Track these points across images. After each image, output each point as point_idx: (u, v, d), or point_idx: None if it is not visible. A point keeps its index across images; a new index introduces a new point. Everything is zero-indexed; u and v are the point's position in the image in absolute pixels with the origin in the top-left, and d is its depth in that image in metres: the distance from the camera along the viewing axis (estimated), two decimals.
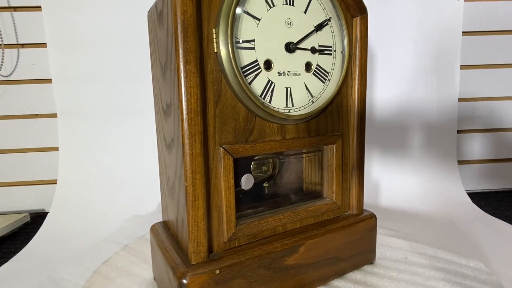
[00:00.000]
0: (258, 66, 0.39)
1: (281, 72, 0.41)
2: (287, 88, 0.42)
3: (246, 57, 0.39)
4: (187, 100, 0.35)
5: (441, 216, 0.81)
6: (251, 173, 0.47)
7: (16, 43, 0.86)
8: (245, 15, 0.38)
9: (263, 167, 0.49)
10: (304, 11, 0.42)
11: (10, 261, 0.63)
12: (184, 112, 0.35)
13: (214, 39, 0.36)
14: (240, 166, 0.46)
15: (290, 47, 0.41)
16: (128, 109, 0.89)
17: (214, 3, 0.37)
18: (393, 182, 0.94)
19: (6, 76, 0.85)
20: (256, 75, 0.39)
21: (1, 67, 0.84)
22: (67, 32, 0.85)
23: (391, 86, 0.94)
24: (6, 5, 0.83)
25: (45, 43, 0.86)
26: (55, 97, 0.88)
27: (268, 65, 0.40)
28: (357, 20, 0.46)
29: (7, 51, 0.85)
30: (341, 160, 0.49)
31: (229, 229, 0.40)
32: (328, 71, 0.45)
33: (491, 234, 0.70)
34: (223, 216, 0.40)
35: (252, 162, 0.47)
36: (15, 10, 0.84)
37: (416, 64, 0.93)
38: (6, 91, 0.87)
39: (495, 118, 0.99)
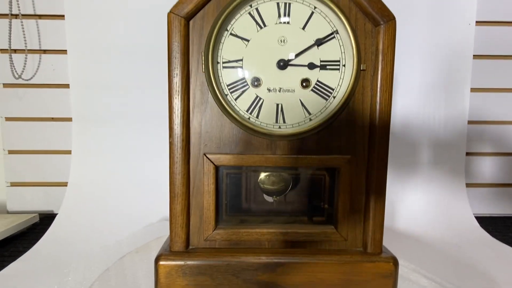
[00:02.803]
0: (245, 83, 0.46)
1: (271, 88, 0.47)
2: (277, 105, 0.48)
3: (233, 75, 0.46)
4: (171, 113, 0.45)
5: (447, 240, 0.85)
6: (259, 184, 0.53)
7: (39, 49, 0.99)
8: (233, 38, 0.45)
9: (270, 181, 0.54)
10: (302, 27, 0.47)
11: (17, 260, 0.72)
12: (169, 121, 0.45)
13: (202, 61, 0.44)
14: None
15: (281, 65, 0.47)
16: (142, 116, 0.99)
17: (204, 33, 0.46)
18: (398, 203, 0.99)
19: (27, 80, 0.98)
20: (243, 91, 0.47)
21: (23, 71, 0.97)
22: (87, 40, 0.97)
23: (399, 106, 1.01)
24: (32, 12, 0.97)
25: (66, 50, 0.98)
26: (72, 102, 0.99)
27: (256, 82, 0.47)
28: (381, 29, 0.46)
29: (30, 56, 0.98)
30: (348, 186, 0.49)
31: (207, 230, 0.48)
32: (333, 88, 0.47)
33: (499, 261, 0.73)
34: (203, 217, 0.48)
35: (261, 174, 0.53)
36: (40, 18, 0.98)
37: (426, 85, 1.00)
38: (26, 94, 0.99)
39: (505, 142, 1.05)
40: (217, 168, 0.47)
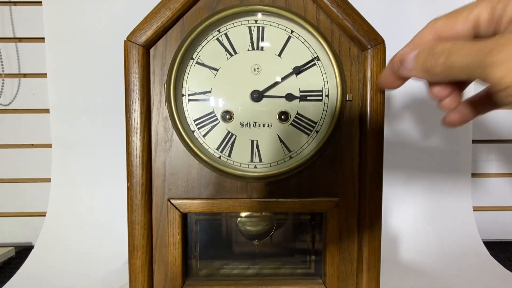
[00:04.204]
0: (215, 118, 0.40)
1: (244, 123, 0.41)
2: (252, 141, 0.42)
3: (201, 109, 0.40)
4: (129, 153, 0.38)
5: (455, 271, 0.78)
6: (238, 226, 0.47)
7: (18, 72, 0.94)
8: (200, 67, 0.39)
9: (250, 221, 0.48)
10: (278, 54, 0.42)
11: None
12: (127, 162, 0.39)
13: (165, 94, 0.38)
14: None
15: (255, 96, 0.41)
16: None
17: (167, 61, 0.40)
18: (400, 231, 0.93)
19: (6, 105, 0.93)
20: (212, 126, 0.41)
21: (0, 96, 0.92)
22: (68, 64, 0.93)
23: (399, 127, 0.95)
24: (11, 36, 0.93)
25: (46, 74, 0.93)
26: (52, 127, 0.94)
27: (228, 116, 0.41)
28: (368, 54, 0.41)
29: (8, 80, 0.93)
30: (337, 234, 0.43)
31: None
32: (315, 121, 0.42)
33: None
34: (169, 272, 0.41)
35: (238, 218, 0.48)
36: (20, 41, 0.93)
37: (426, 104, 0.94)
38: (4, 119, 0.94)
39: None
40: (184, 215, 0.41)
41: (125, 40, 0.39)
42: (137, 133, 0.39)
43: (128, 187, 0.39)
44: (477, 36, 0.30)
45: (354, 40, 0.40)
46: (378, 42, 0.40)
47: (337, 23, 0.40)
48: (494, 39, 0.25)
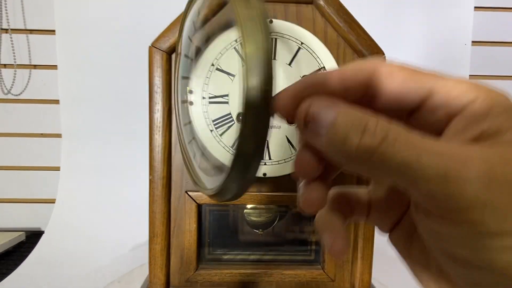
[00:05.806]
0: (231, 119, 0.44)
1: None
2: None
3: (219, 110, 0.44)
4: (152, 149, 0.42)
5: None
6: (244, 216, 0.52)
7: (29, 63, 0.97)
8: (219, 73, 0.43)
9: (255, 212, 0.52)
10: (288, 63, 0.46)
11: None
12: (149, 157, 0.44)
13: (186, 96, 0.42)
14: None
15: None
16: (135, 134, 0.97)
17: None
18: None
19: (17, 95, 0.96)
20: (229, 127, 0.45)
21: (12, 86, 0.95)
22: (78, 56, 0.96)
23: None
24: (23, 27, 0.95)
25: (56, 65, 0.96)
26: (61, 117, 0.97)
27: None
28: None
29: (19, 71, 0.96)
30: None
31: (188, 270, 0.46)
32: None
33: None
34: (184, 257, 0.46)
35: (245, 208, 0.52)
36: (31, 33, 0.96)
37: None
38: (15, 109, 0.97)
39: None
40: (199, 206, 0.46)
41: (149, 46, 0.43)
42: (159, 131, 0.43)
43: (150, 180, 0.44)
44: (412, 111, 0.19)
45: (358, 53, 0.44)
46: (379, 55, 0.44)
47: (342, 36, 0.44)
48: (470, 147, 0.16)
